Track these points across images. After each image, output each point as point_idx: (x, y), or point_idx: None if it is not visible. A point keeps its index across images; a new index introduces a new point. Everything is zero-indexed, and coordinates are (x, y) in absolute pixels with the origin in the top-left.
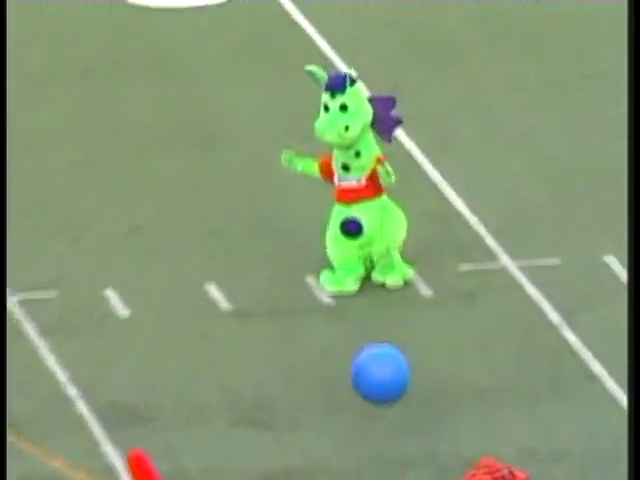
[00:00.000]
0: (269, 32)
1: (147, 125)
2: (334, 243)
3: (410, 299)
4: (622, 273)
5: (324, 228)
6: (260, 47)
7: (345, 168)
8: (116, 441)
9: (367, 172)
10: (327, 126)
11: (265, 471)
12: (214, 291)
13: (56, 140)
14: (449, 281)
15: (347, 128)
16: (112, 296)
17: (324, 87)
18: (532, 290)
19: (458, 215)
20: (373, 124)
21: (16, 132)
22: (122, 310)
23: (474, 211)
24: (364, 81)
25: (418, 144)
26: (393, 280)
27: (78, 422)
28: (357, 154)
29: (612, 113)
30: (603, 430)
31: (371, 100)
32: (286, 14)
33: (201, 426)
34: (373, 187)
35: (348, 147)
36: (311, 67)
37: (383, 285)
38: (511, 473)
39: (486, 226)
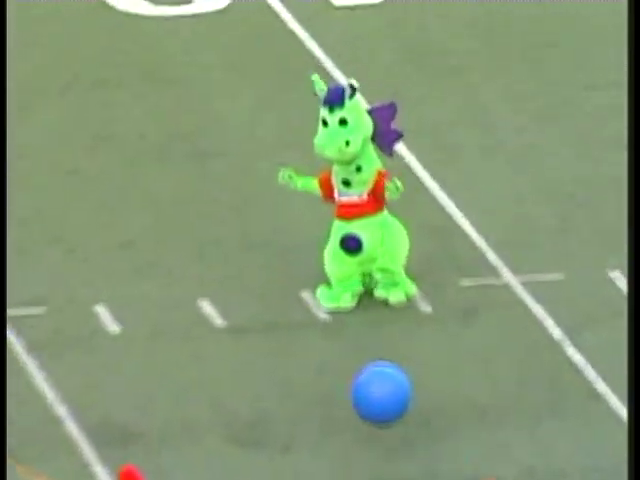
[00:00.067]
0: (264, 41)
1: (139, 136)
2: (333, 259)
3: (409, 315)
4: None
5: (320, 242)
6: (255, 57)
7: (346, 183)
8: (107, 461)
9: (368, 187)
10: (327, 142)
11: None
12: (207, 307)
13: (45, 152)
14: (449, 297)
15: (347, 143)
16: (102, 312)
17: (322, 101)
18: (534, 306)
19: (459, 229)
20: (374, 138)
21: (5, 144)
22: (113, 326)
23: (475, 225)
24: (361, 92)
25: (418, 157)
26: (396, 297)
27: (67, 442)
28: (358, 169)
29: (616, 125)
30: (606, 450)
31: (370, 112)
32: (282, 23)
33: (193, 445)
34: (375, 202)
35: (349, 162)
36: (315, 77)
37: (386, 302)
38: None
39: (487, 240)
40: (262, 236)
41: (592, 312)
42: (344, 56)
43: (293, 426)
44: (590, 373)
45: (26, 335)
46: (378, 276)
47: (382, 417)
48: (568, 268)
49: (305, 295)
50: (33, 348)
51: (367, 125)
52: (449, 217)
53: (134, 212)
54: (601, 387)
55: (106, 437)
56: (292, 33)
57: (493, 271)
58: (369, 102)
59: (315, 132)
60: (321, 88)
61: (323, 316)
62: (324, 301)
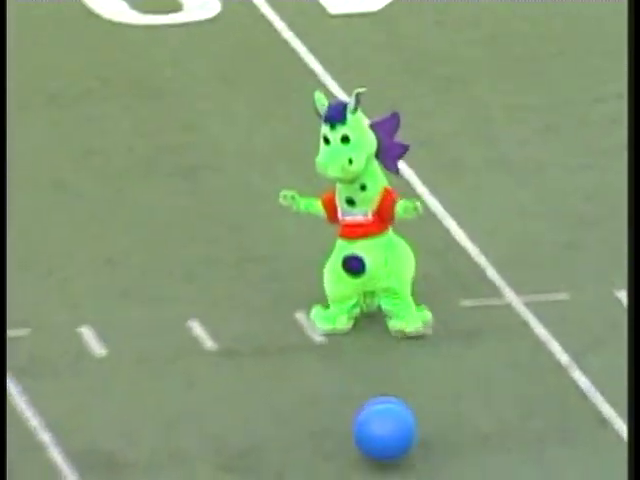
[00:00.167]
0: (257, 51)
1: (126, 150)
2: (333, 278)
3: (408, 338)
4: None
5: (316, 261)
6: (247, 67)
7: (350, 202)
8: None
9: (374, 206)
10: (329, 160)
11: None
12: (197, 328)
13: (26, 168)
14: (450, 318)
15: (350, 161)
16: (87, 334)
17: (323, 118)
18: (539, 328)
19: (459, 247)
20: (377, 154)
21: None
22: (98, 349)
23: (476, 242)
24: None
25: (417, 172)
26: (412, 327)
27: (51, 469)
28: (363, 187)
29: (624, 136)
30: (614, 476)
31: (372, 126)
32: (275, 32)
33: (182, 474)
34: (380, 222)
35: (352, 181)
36: (317, 94)
37: (403, 333)
38: None
39: (489, 259)
40: (255, 255)
41: (598, 334)
42: (339, 66)
43: (286, 454)
44: (597, 397)
45: (9, 358)
46: (382, 299)
47: (385, 455)
48: (573, 287)
49: (300, 316)
50: (16, 372)
51: (370, 141)
52: (449, 234)
53: (120, 229)
54: (608, 412)
55: (91, 465)
56: (286, 42)
57: (495, 291)
58: (365, 114)
59: (310, 144)
60: (322, 104)
61: (319, 339)
62: (319, 323)
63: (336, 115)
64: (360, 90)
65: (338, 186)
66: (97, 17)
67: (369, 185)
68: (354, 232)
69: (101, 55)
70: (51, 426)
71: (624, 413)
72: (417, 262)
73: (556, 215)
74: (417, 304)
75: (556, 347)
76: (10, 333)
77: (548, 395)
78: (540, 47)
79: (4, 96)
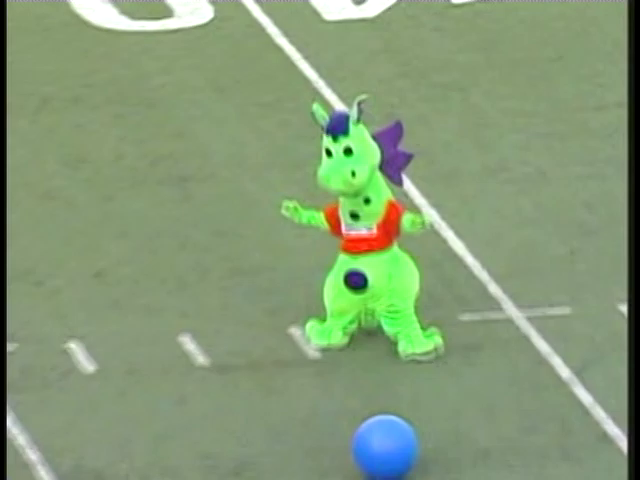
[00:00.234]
0: (250, 58)
1: (115, 159)
2: (333, 293)
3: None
4: None
5: (311, 273)
6: (240, 74)
7: (354, 216)
8: None
9: (378, 219)
10: (332, 173)
11: None
12: (189, 343)
13: (15, 176)
14: (449, 333)
15: (354, 174)
16: (76, 349)
17: (325, 130)
18: (540, 342)
19: (458, 260)
20: (380, 166)
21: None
22: (87, 365)
23: (476, 255)
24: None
25: (415, 182)
26: (420, 347)
27: None
28: (367, 200)
29: (626, 147)
30: None
31: (375, 137)
32: (269, 38)
33: None
34: (385, 236)
35: (356, 194)
36: (315, 106)
37: (413, 357)
38: None
39: (489, 272)
40: (248, 266)
41: (601, 348)
42: (334, 73)
43: (281, 471)
44: (599, 413)
45: None
46: (383, 319)
47: (384, 472)
48: (575, 300)
49: (295, 331)
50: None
51: (374, 153)
52: (448, 246)
53: (110, 239)
54: (611, 428)
55: None
56: (279, 49)
57: (495, 304)
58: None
59: (304, 152)
60: (322, 116)
61: (314, 354)
62: (314, 337)
63: (338, 127)
64: (361, 98)
65: (341, 199)
66: (86, 23)
67: (373, 198)
68: (357, 247)
69: (90, 62)
70: (39, 444)
71: (627, 429)
72: None
73: (556, 225)
74: (425, 328)
75: (557, 362)
76: None
77: (549, 410)
78: (539, 52)
79: (4, 98)
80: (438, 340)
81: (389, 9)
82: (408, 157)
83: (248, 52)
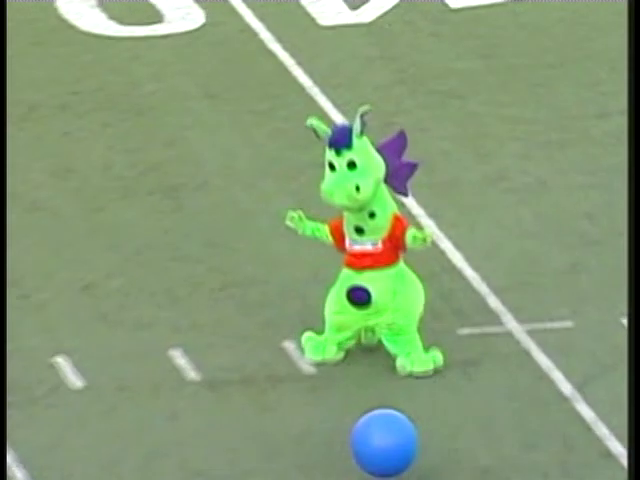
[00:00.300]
0: (242, 64)
1: (103, 169)
2: (335, 309)
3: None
4: None
5: (305, 285)
6: (232, 81)
7: (359, 231)
8: None
9: (384, 234)
10: (335, 188)
11: None
12: (180, 358)
13: None
14: (447, 347)
15: (358, 189)
16: (63, 364)
17: (327, 143)
18: (541, 357)
19: (457, 272)
20: (385, 177)
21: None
22: (75, 380)
23: (475, 267)
24: (349, 120)
25: (412, 192)
26: (420, 367)
27: None
28: (371, 215)
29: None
30: None
31: (379, 149)
32: (262, 43)
33: None
34: (390, 252)
35: (361, 208)
36: (312, 121)
37: (411, 374)
38: None
39: (489, 284)
40: (241, 279)
41: (603, 362)
42: (329, 80)
43: None
44: (601, 430)
45: None
46: (384, 336)
47: (385, 470)
48: (576, 313)
49: (288, 345)
50: None
51: (378, 166)
52: (446, 258)
53: (99, 251)
54: (614, 445)
55: None
56: (273, 55)
57: (495, 318)
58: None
59: (298, 161)
60: (324, 131)
61: (308, 369)
62: (308, 351)
63: (341, 140)
64: (364, 110)
65: (346, 214)
66: (74, 28)
67: (378, 212)
68: (362, 262)
69: (78, 68)
70: (25, 461)
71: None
72: None
73: (557, 236)
74: (427, 349)
75: (559, 376)
76: None
77: (550, 427)
78: (540, 58)
79: (4, 98)
80: (439, 361)
81: (386, 14)
82: (413, 167)
83: (241, 58)
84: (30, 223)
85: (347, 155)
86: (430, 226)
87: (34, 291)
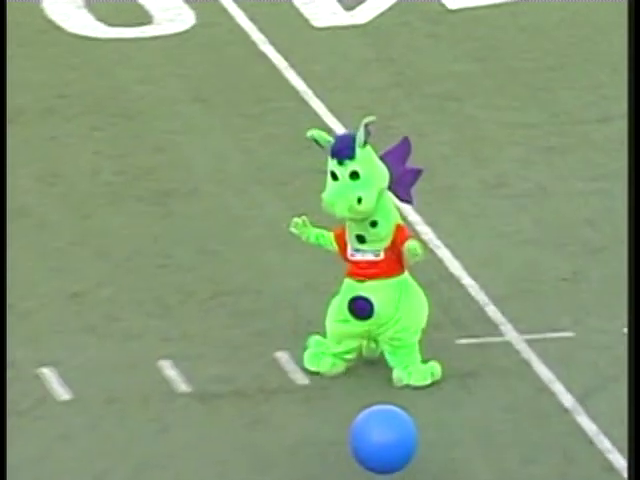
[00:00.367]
0: (234, 67)
1: (91, 175)
2: (337, 317)
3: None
4: None
5: (299, 295)
6: (222, 84)
7: (361, 240)
8: None
9: (385, 244)
10: (337, 198)
11: None
12: (169, 369)
13: None
14: (445, 358)
15: (360, 200)
16: (49, 376)
17: (330, 152)
18: (541, 368)
19: (455, 280)
20: (390, 185)
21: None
22: (62, 392)
23: (473, 276)
24: (343, 124)
25: None
26: (417, 380)
27: None
28: (373, 224)
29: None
30: None
31: (383, 157)
32: (254, 45)
33: None
34: (393, 262)
35: (363, 219)
36: (313, 132)
37: (408, 385)
38: None
39: (487, 293)
40: (232, 288)
41: (606, 374)
42: (324, 83)
43: None
44: (603, 443)
45: None
46: (384, 346)
47: (384, 465)
48: (578, 323)
49: (281, 356)
50: None
51: (382, 176)
52: (444, 266)
53: (86, 259)
54: (616, 459)
55: None
56: (265, 57)
57: (494, 328)
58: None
59: (291, 167)
60: (327, 140)
61: (302, 380)
62: (306, 361)
63: (344, 150)
64: (369, 120)
65: (348, 222)
66: (60, 30)
67: (381, 222)
68: (364, 272)
69: (65, 71)
70: (11, 476)
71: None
72: None
73: (558, 243)
74: (425, 361)
75: (560, 388)
76: None
77: (551, 440)
78: (539, 60)
79: (4, 95)
80: (437, 373)
81: (381, 15)
82: (417, 173)
83: (232, 60)
84: (15, 229)
85: (350, 165)
86: (427, 233)
87: (19, 300)
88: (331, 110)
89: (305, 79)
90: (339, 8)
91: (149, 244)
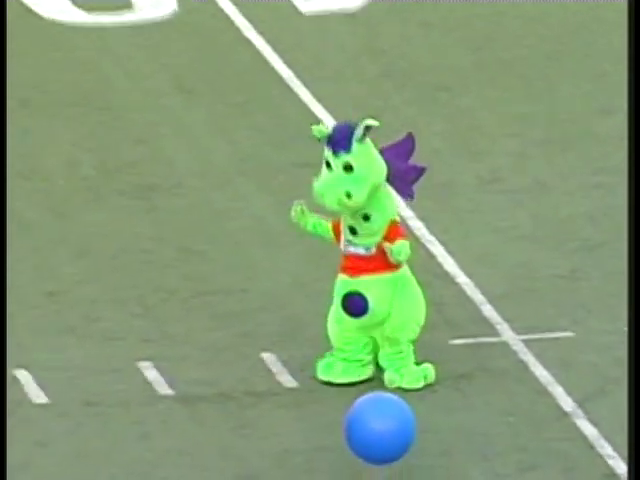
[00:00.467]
0: (218, 55)
1: (69, 169)
2: (334, 320)
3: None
4: None
5: (285, 294)
6: (206, 73)
7: (353, 231)
8: None
9: (378, 239)
10: (327, 190)
11: None
12: (151, 371)
13: None
14: (439, 360)
15: (349, 195)
16: (26, 378)
17: (326, 141)
18: (540, 370)
19: (449, 279)
20: (391, 180)
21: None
22: (38, 396)
23: (468, 274)
24: (333, 117)
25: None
26: (409, 382)
27: None
28: (365, 217)
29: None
30: None
31: (383, 151)
32: (238, 32)
33: None
34: (387, 257)
35: (354, 212)
36: (315, 128)
37: (400, 387)
38: None
39: (483, 292)
40: (217, 286)
41: (606, 376)
42: (311, 72)
43: None
44: (604, 448)
45: None
46: (385, 348)
47: (382, 456)
48: (577, 323)
49: (267, 357)
50: None
51: (377, 171)
52: (438, 264)
53: (65, 257)
54: (617, 464)
55: None
56: (250, 44)
57: (489, 328)
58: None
59: (277, 159)
60: (322, 132)
61: (290, 383)
62: (318, 372)
63: (340, 141)
64: (370, 123)
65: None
66: (35, 15)
67: (374, 216)
68: (356, 267)
69: (39, 60)
70: None
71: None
72: None
73: (557, 240)
74: (419, 363)
75: (559, 391)
76: None
77: (550, 445)
78: (536, 49)
79: (4, 97)
80: (430, 376)
81: (372, 2)
82: (420, 171)
83: (215, 48)
84: None
85: (344, 157)
86: (420, 229)
87: None
88: (319, 100)
89: (292, 67)
90: None
91: (130, 241)
